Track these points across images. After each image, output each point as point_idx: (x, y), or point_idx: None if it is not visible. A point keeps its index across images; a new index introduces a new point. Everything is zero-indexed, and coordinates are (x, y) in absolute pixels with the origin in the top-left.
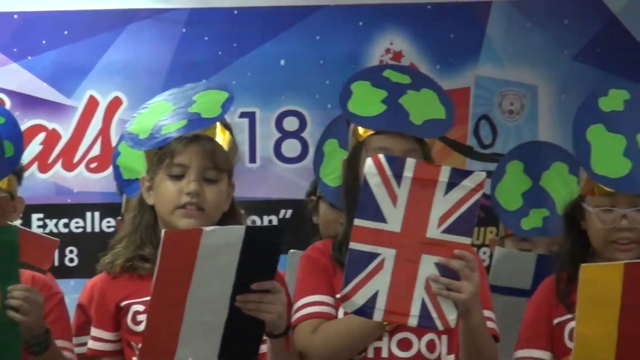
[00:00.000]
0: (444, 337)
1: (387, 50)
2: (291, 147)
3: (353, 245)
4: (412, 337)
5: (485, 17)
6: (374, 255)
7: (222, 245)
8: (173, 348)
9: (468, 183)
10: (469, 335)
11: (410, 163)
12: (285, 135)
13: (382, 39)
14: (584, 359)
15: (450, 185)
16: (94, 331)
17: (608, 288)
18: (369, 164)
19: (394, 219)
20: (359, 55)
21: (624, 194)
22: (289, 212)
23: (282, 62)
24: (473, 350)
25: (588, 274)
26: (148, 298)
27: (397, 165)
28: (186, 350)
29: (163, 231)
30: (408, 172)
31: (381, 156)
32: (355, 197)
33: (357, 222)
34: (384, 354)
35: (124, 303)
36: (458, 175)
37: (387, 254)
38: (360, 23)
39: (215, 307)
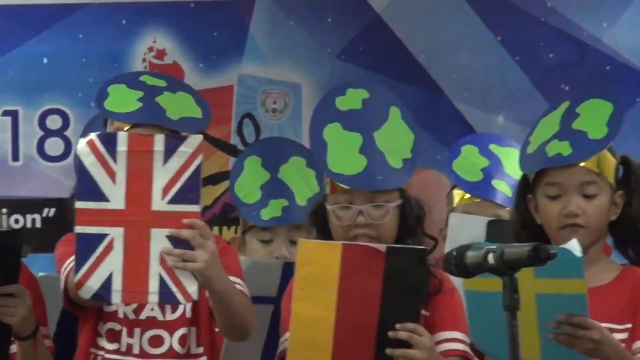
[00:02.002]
0: (193, 330)
1: (150, 49)
2: (54, 146)
3: (78, 229)
4: (164, 334)
5: (249, 15)
6: (102, 237)
7: None
8: None
9: (185, 149)
10: (218, 303)
11: (122, 137)
12: (49, 133)
13: (145, 37)
14: (301, 340)
15: (168, 154)
16: None
17: (326, 268)
18: (81, 145)
19: (116, 197)
20: (122, 53)
21: (360, 190)
22: (52, 211)
23: (45, 60)
24: (228, 314)
25: (305, 251)
26: None
27: (110, 141)
28: None
29: None
30: (122, 146)
31: (93, 135)
32: None
33: (79, 204)
34: (135, 350)
35: None
36: (174, 143)
37: (115, 233)
38: (124, 21)
39: None
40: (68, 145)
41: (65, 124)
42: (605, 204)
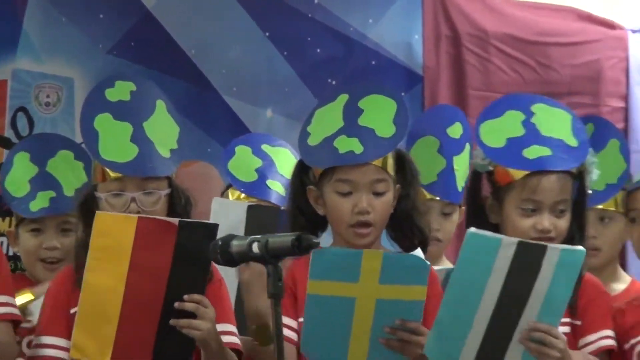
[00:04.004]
0: None
1: None
2: None
3: None
4: None
5: (22, 11)
6: None
7: None
8: None
9: None
10: None
11: None
12: None
13: None
14: (90, 309)
15: None
16: None
17: (120, 240)
18: None
19: None
20: None
21: (132, 178)
22: None
23: None
24: None
25: (101, 223)
26: None
27: None
28: None
29: None
30: None
31: None
32: None
33: None
34: None
35: None
36: None
37: None
38: None
39: None
40: None
41: None
42: (390, 200)
